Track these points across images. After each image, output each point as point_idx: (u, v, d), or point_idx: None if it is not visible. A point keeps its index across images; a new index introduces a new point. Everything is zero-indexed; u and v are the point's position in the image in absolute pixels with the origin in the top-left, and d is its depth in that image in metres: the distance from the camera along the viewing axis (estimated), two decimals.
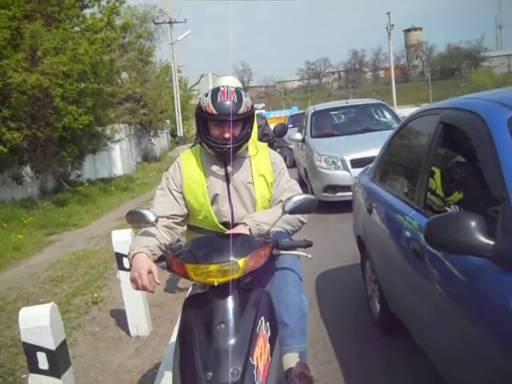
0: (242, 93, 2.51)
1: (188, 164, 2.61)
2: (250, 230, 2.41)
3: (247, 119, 2.51)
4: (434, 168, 3.16)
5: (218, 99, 2.42)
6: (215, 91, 2.46)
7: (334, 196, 8.06)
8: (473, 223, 1.89)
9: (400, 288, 3.06)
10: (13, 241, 8.64)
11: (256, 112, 3.08)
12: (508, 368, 1.69)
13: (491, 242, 1.86)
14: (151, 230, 2.42)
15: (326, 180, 8.23)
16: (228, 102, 2.41)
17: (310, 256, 2.40)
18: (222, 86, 2.51)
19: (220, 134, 2.45)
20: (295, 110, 32.26)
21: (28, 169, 12.00)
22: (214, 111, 2.41)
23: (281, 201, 2.51)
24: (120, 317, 4.71)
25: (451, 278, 2.22)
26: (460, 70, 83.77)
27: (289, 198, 2.34)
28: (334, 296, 4.66)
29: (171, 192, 2.58)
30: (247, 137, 2.53)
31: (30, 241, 8.85)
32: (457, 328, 2.18)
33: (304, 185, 9.76)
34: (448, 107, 2.90)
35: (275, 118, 34.50)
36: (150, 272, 2.24)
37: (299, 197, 2.35)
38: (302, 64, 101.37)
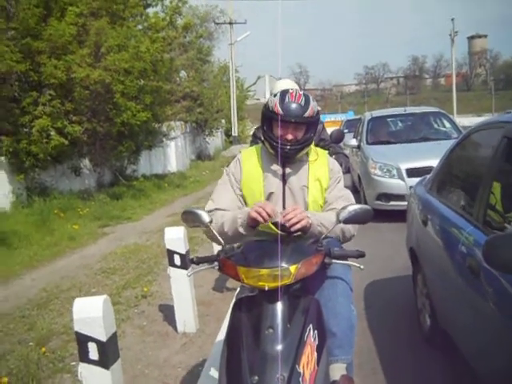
0: (310, 97, 2.53)
1: (248, 160, 2.65)
2: (310, 224, 2.36)
3: (311, 123, 2.53)
4: (496, 183, 3.07)
5: (286, 100, 2.46)
6: (284, 93, 2.51)
7: (388, 205, 7.94)
8: None
9: (452, 304, 2.99)
10: (69, 231, 8.95)
11: None
12: None
13: None
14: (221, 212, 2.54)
15: (380, 188, 8.12)
16: (295, 104, 2.45)
17: (362, 267, 2.37)
18: (292, 89, 2.56)
19: (283, 134, 2.47)
20: (351, 115, 31.96)
21: (87, 161, 12.41)
22: (281, 111, 2.44)
23: (333, 208, 2.49)
24: (168, 312, 4.79)
25: (507, 298, 2.15)
26: None
27: (344, 207, 2.31)
28: (382, 307, 4.58)
29: (232, 186, 2.62)
30: (309, 141, 2.55)
31: (85, 231, 9.14)
32: (508, 349, 2.11)
33: (357, 191, 9.66)
34: None
35: (331, 121, 34.28)
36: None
37: (354, 206, 2.33)
38: (360, 68, 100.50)
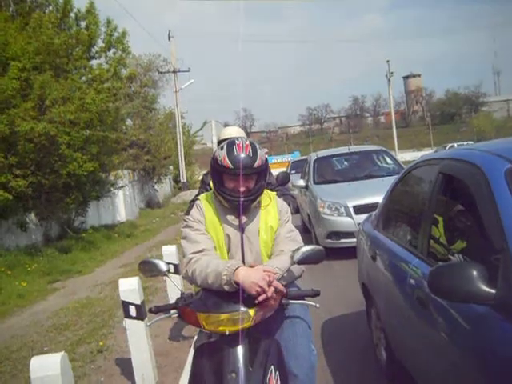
0: (257, 146, 2.56)
1: (207, 208, 2.63)
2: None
3: (262, 172, 2.56)
4: (437, 216, 3.23)
5: (234, 153, 2.46)
6: (231, 144, 2.51)
7: (338, 242, 8.10)
8: (475, 272, 1.95)
9: (405, 336, 3.09)
10: (16, 288, 8.65)
11: None
12: None
13: (493, 291, 1.91)
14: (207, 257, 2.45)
15: (330, 226, 8.28)
16: (243, 156, 2.46)
17: (318, 305, 2.44)
18: (238, 139, 2.55)
19: (235, 186, 2.49)
20: (297, 155, 32.63)
21: (32, 216, 12.11)
22: (230, 165, 2.45)
23: (281, 250, 2.54)
24: (125, 366, 4.69)
25: (455, 326, 2.26)
26: (460, 114, 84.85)
27: (297, 249, 2.40)
28: (340, 343, 4.65)
29: (198, 229, 2.57)
30: (261, 189, 2.58)
31: (34, 288, 8.86)
32: (463, 377, 2.21)
33: (308, 231, 9.81)
34: (447, 157, 3.00)
35: (277, 163, 34.83)
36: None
37: (307, 248, 2.42)
38: (303, 110, 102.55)
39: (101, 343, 5.50)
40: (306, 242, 2.73)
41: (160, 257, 6.01)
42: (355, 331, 4.80)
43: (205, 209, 2.63)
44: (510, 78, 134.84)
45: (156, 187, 26.78)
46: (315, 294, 2.44)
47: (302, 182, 10.08)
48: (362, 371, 4.05)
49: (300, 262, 2.37)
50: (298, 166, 16.08)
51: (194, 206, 2.67)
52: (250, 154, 2.48)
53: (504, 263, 1.98)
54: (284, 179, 4.93)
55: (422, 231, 2.98)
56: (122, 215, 18.85)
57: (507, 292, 1.88)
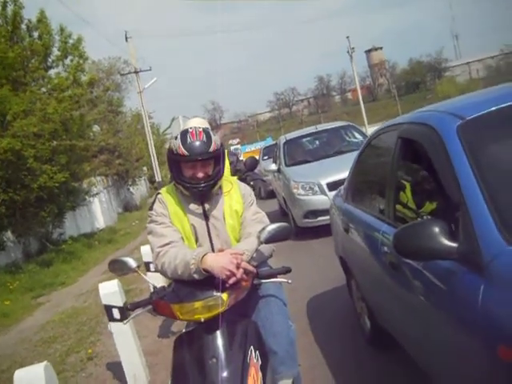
0: (211, 132, 2.59)
1: (170, 200, 2.64)
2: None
3: (218, 157, 2.57)
4: (404, 182, 3.28)
5: (188, 140, 2.49)
6: (184, 133, 2.54)
7: (316, 221, 8.15)
8: (436, 229, 1.99)
9: (384, 301, 3.14)
10: (0, 308, 8.54)
11: (232, 148, 3.14)
12: (484, 364, 1.77)
13: (455, 245, 1.95)
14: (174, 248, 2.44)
15: (306, 206, 8.33)
16: (198, 142, 2.49)
17: (290, 281, 2.47)
18: (191, 128, 2.58)
19: (193, 173, 2.51)
20: (270, 141, 32.59)
21: (9, 234, 11.92)
22: (186, 152, 2.47)
23: (249, 232, 2.56)
24: (116, 369, 4.68)
25: (426, 285, 2.31)
26: (424, 82, 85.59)
27: (263, 228, 2.42)
28: (326, 319, 4.71)
29: (163, 222, 2.57)
30: (220, 174, 2.59)
31: (18, 306, 8.76)
32: (438, 331, 2.25)
33: (285, 214, 9.86)
34: (405, 122, 3.04)
35: (251, 151, 34.73)
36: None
37: (273, 226, 2.44)
38: (270, 96, 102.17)
39: (90, 351, 5.48)
40: (288, 223, 2.74)
41: (140, 257, 5.99)
42: (339, 305, 4.86)
43: (167, 202, 2.63)
44: (469, 41, 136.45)
45: (132, 190, 26.63)
46: (286, 271, 2.47)
47: (273, 166, 10.12)
48: (348, 342, 4.12)
49: (267, 241, 2.39)
50: (270, 152, 16.10)
51: (156, 200, 2.66)
52: (204, 139, 2.50)
53: (463, 217, 2.02)
54: (252, 164, 4.96)
55: (387, 197, 3.03)
56: (100, 222, 18.70)
57: (468, 245, 1.93)
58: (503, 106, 2.36)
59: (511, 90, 2.85)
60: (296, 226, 8.64)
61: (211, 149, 2.50)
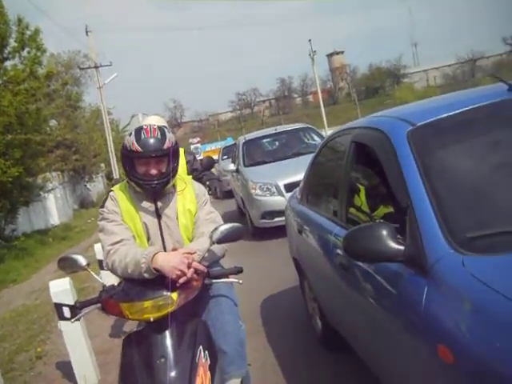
0: (165, 129, 2.58)
1: (122, 198, 2.61)
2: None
3: (172, 154, 2.56)
4: (358, 185, 3.34)
5: (142, 137, 2.47)
6: (138, 130, 2.52)
7: (273, 222, 8.20)
8: (384, 232, 2.03)
9: (335, 302, 3.19)
10: None
11: (192, 147, 3.12)
12: (427, 365, 1.81)
13: (402, 248, 2.00)
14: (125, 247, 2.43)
15: (263, 207, 8.38)
16: (152, 139, 2.47)
17: (241, 282, 2.48)
18: (145, 125, 2.56)
19: (146, 170, 2.49)
20: (230, 141, 32.56)
21: None
22: (139, 149, 2.46)
23: (202, 232, 2.56)
24: (66, 369, 4.60)
25: (375, 286, 2.36)
26: (384, 87, 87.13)
27: (216, 228, 2.42)
28: (279, 320, 4.74)
29: (115, 220, 2.55)
30: (174, 171, 2.58)
31: None
32: (386, 333, 2.30)
33: (243, 214, 9.88)
34: (358, 126, 3.10)
35: (211, 150, 34.59)
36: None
37: (226, 226, 2.44)
38: (232, 96, 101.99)
39: (39, 349, 5.36)
40: (244, 224, 2.75)
41: (93, 255, 5.90)
42: (293, 305, 4.90)
43: (119, 199, 2.60)
44: (427, 49, 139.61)
45: (88, 186, 26.14)
46: (238, 271, 2.48)
47: (232, 166, 10.14)
48: (300, 342, 4.16)
49: (219, 241, 2.40)
50: (230, 151, 16.07)
51: (108, 197, 2.63)
52: (159, 136, 2.49)
53: (410, 221, 2.07)
54: (208, 164, 4.95)
55: (340, 200, 3.07)
56: (54, 218, 18.30)
57: (414, 248, 1.97)
58: (452, 113, 2.44)
59: (461, 98, 2.93)
60: (253, 227, 8.67)
61: (165, 146, 2.49)
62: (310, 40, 41.56)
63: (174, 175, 2.59)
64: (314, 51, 41.75)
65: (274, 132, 10.75)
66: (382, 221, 2.71)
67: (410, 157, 2.26)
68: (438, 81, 79.40)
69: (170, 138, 2.54)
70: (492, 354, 1.50)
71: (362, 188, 3.36)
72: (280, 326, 4.57)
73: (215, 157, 21.19)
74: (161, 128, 2.56)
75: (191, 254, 2.30)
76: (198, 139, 48.97)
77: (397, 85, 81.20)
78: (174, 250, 2.36)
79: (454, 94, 3.32)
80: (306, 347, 4.06)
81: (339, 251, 2.83)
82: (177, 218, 2.60)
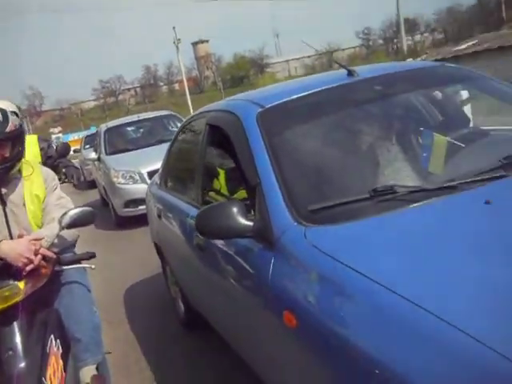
0: (8, 112, 2.41)
1: None
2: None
3: (16, 138, 2.43)
4: (218, 169, 3.40)
5: None
6: None
7: (136, 210, 8.04)
8: (234, 209, 2.09)
9: (194, 284, 3.23)
10: None
11: (53, 137, 2.90)
12: (277, 334, 1.91)
13: (251, 224, 2.08)
14: None
15: (127, 195, 8.21)
16: None
17: (93, 267, 2.43)
18: None
19: None
20: (94, 130, 31.39)
21: None
22: None
23: (52, 218, 2.48)
24: None
25: (229, 263, 2.43)
26: (248, 77, 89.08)
27: (65, 213, 2.34)
28: (142, 308, 4.70)
29: None
30: (19, 156, 2.46)
31: None
32: (242, 309, 2.39)
33: (106, 204, 9.60)
34: (212, 110, 3.15)
35: (74, 140, 33.12)
36: None
37: (75, 211, 2.37)
38: (95, 83, 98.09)
39: None
40: (108, 213, 2.67)
41: None
42: (156, 292, 4.89)
43: None
44: (288, 40, 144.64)
45: None
46: (90, 257, 2.42)
47: (93, 155, 9.80)
48: (163, 327, 4.15)
49: (69, 226, 2.33)
50: (93, 141, 15.44)
51: None
52: (0, 119, 2.34)
53: (258, 197, 2.16)
54: (63, 150, 4.75)
55: (196, 183, 3.10)
56: None
57: (262, 223, 2.06)
58: (297, 96, 2.58)
59: (308, 83, 3.09)
60: (116, 216, 8.48)
61: (8, 129, 2.35)
62: (174, 27, 41.29)
63: (18, 160, 2.47)
64: (179, 39, 41.57)
65: (136, 119, 10.54)
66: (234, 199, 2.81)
67: (259, 137, 2.35)
68: (299, 71, 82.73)
69: (14, 121, 2.40)
70: (331, 317, 1.61)
71: (221, 171, 3.43)
72: (143, 314, 4.54)
73: (78, 147, 20.34)
74: (3, 111, 2.40)
75: (38, 240, 2.21)
76: (60, 129, 46.65)
77: (260, 74, 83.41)
78: (20, 236, 2.25)
79: (303, 79, 3.50)
80: (169, 332, 4.07)
81: (196, 232, 2.87)
82: (24, 205, 2.48)
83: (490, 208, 1.74)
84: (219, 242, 2.47)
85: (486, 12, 65.71)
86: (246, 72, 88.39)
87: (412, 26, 72.59)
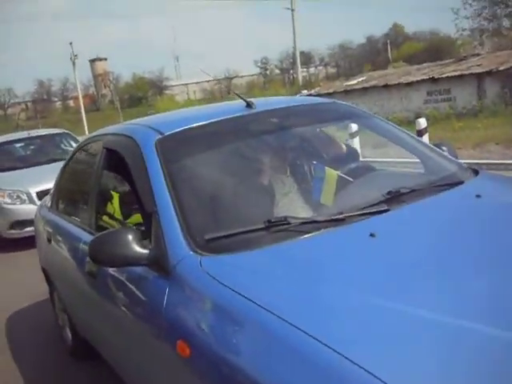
0: None
1: None
2: None
3: None
4: (112, 192, 3.32)
5: None
6: None
7: (23, 232, 7.63)
8: (130, 236, 2.06)
9: (84, 311, 3.12)
10: None
11: None
12: (171, 365, 1.90)
13: (146, 252, 2.06)
14: None
15: (12, 216, 7.79)
16: None
17: None
18: None
19: None
20: None
21: None
22: None
23: None
24: None
25: (122, 291, 2.38)
26: (147, 97, 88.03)
27: None
28: (27, 335, 4.46)
29: None
30: None
31: None
32: (132, 337, 2.34)
33: None
34: (109, 133, 3.10)
35: None
36: None
37: None
38: None
39: None
40: None
41: None
42: (42, 319, 4.66)
43: None
44: (187, 63, 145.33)
45: None
46: None
47: None
48: (49, 356, 3.98)
49: None
50: None
51: None
52: None
53: (155, 225, 2.15)
54: None
55: (90, 207, 3.03)
56: None
57: (158, 251, 2.05)
58: (196, 124, 2.61)
59: (207, 112, 3.14)
60: (1, 238, 8.01)
61: None
62: (71, 43, 40.08)
63: None
64: (76, 55, 40.42)
65: (26, 136, 10.06)
66: (130, 226, 2.76)
67: (157, 164, 2.34)
68: (198, 95, 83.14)
69: None
70: (223, 345, 1.64)
71: (115, 195, 3.35)
72: (28, 342, 4.30)
73: None
74: None
75: None
76: None
77: (159, 96, 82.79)
78: None
79: (202, 107, 3.55)
80: (55, 360, 3.89)
81: (88, 259, 2.79)
82: None
83: (373, 241, 1.87)
84: (112, 269, 2.41)
85: (375, 51, 70.35)
86: (144, 93, 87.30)
87: (307, 58, 75.64)
